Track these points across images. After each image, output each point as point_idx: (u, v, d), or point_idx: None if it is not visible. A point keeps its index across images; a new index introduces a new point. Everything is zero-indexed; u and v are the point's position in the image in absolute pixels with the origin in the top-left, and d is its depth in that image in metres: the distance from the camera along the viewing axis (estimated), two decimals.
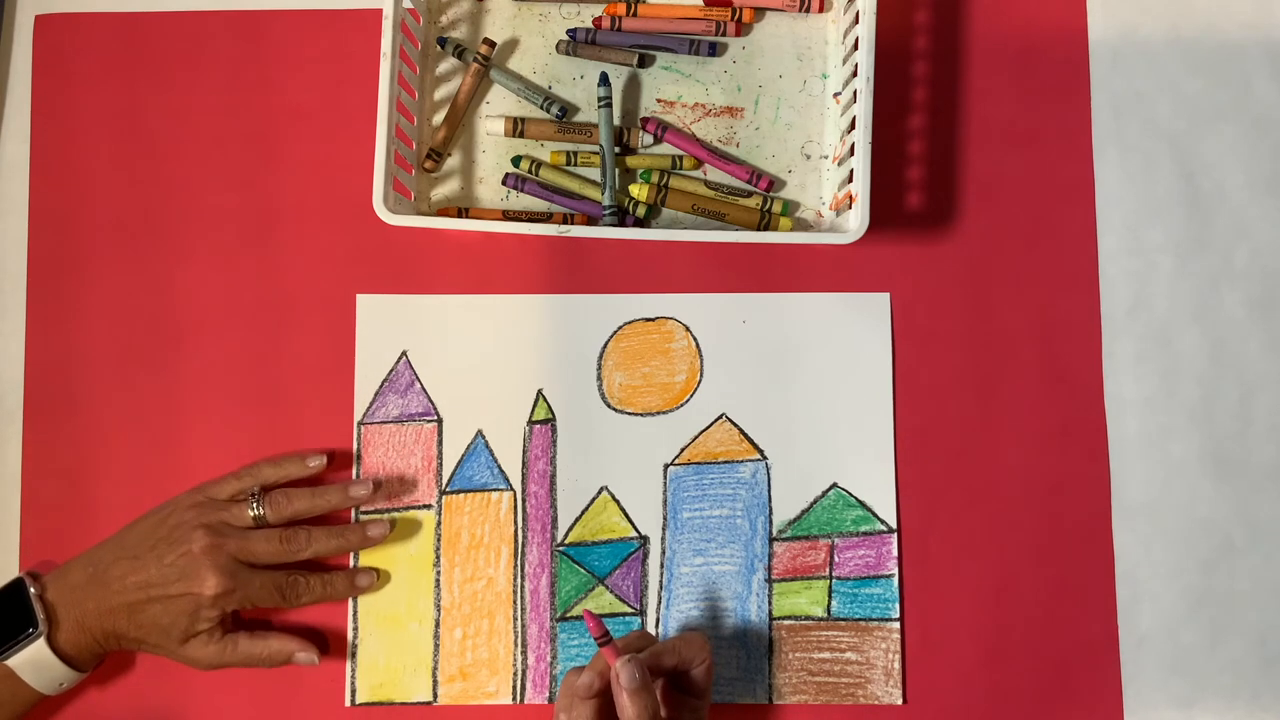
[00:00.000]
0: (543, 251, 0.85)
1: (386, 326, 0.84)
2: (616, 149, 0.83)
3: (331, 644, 0.82)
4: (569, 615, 0.82)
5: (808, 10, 0.85)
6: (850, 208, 0.80)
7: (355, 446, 0.84)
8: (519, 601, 0.82)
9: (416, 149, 0.84)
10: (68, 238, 0.85)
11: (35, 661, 0.75)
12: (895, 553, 0.83)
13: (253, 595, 0.77)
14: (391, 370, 0.84)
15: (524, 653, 0.82)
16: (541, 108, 0.84)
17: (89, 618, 0.76)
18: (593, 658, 0.73)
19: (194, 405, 0.84)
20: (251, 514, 0.79)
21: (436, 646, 0.82)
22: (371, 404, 0.84)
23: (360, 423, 0.84)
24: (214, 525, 0.77)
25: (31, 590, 0.76)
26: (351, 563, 0.82)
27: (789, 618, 0.82)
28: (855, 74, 0.80)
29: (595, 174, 0.84)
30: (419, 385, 0.84)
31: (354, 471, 0.83)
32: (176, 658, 0.78)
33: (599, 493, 0.83)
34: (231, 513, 0.79)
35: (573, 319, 0.84)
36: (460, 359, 0.84)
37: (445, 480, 0.83)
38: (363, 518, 0.83)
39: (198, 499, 0.79)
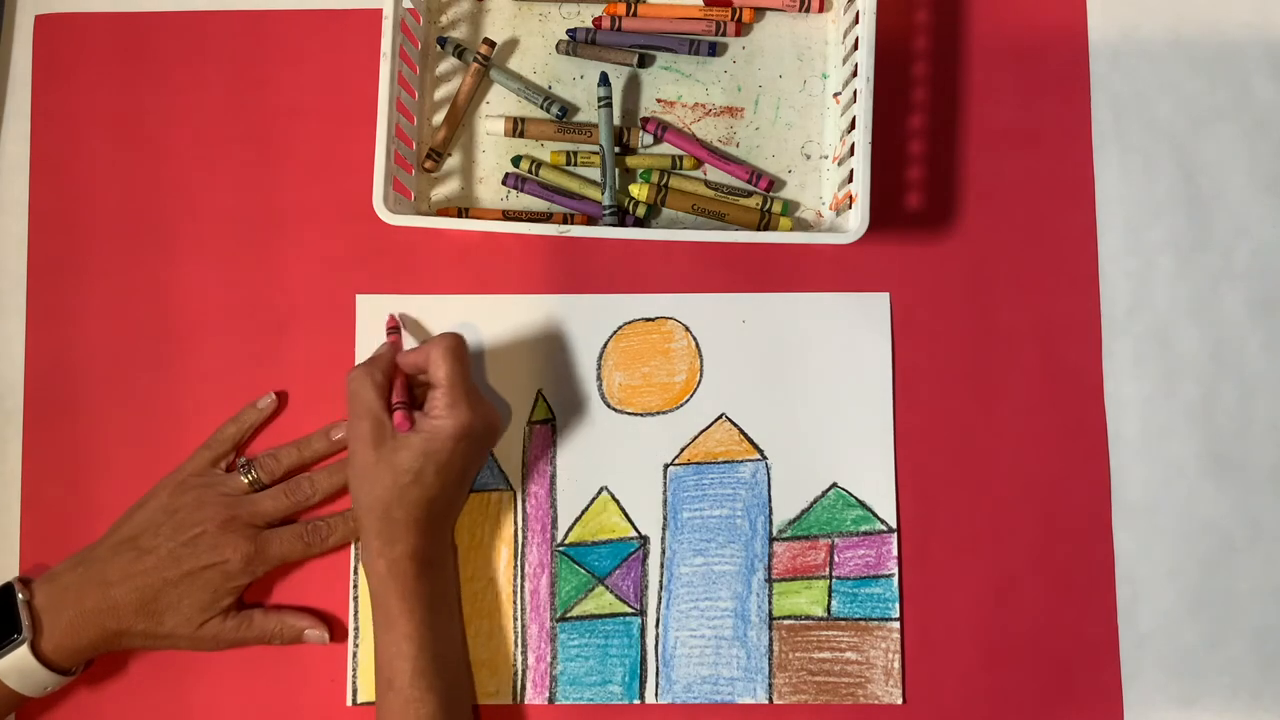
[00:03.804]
0: (543, 251, 0.85)
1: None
2: (616, 149, 0.83)
3: (332, 644, 0.82)
4: (569, 615, 0.82)
5: (808, 10, 0.85)
6: (850, 208, 0.80)
7: None
8: (519, 601, 0.82)
9: (416, 149, 0.84)
10: (68, 238, 0.85)
11: (19, 668, 0.74)
12: (895, 552, 0.83)
13: (278, 552, 0.79)
14: None
15: (524, 653, 0.82)
16: (541, 108, 0.84)
17: (87, 618, 0.75)
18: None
19: (194, 405, 0.84)
20: (246, 480, 0.80)
21: None
22: None
23: None
24: (219, 500, 0.78)
25: (20, 596, 0.75)
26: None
27: (789, 617, 0.82)
28: (855, 74, 0.80)
29: (595, 174, 0.84)
30: None
31: None
32: (188, 644, 0.78)
33: (599, 493, 0.83)
34: (228, 485, 0.80)
35: (573, 319, 0.84)
36: None
37: None
38: None
39: (183, 479, 0.80)
